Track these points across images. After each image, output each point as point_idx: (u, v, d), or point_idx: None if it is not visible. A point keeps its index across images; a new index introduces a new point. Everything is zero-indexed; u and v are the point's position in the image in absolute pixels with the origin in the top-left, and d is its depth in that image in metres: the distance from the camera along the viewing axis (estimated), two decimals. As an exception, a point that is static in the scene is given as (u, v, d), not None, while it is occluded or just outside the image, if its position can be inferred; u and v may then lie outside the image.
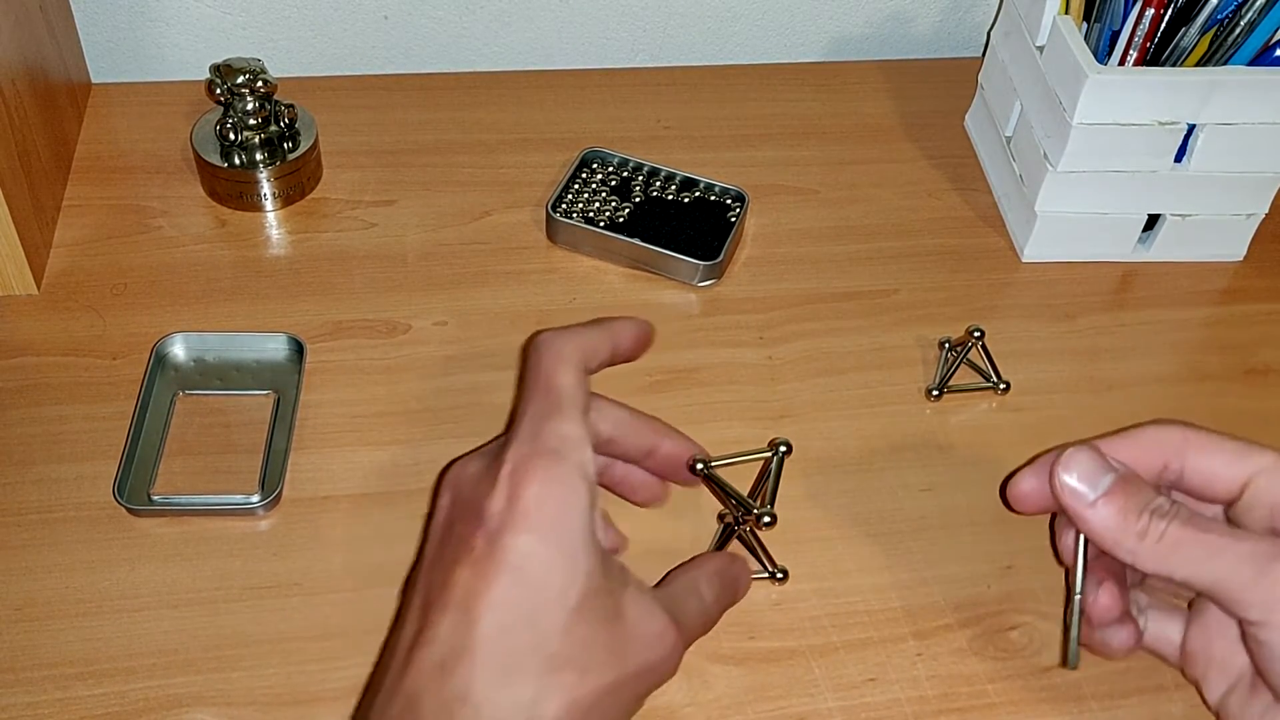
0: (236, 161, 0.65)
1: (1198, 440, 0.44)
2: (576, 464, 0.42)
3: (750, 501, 0.51)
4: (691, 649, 0.46)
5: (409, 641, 0.41)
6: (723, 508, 0.53)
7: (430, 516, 0.46)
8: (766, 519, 0.49)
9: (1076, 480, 0.42)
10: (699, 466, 0.51)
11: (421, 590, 0.42)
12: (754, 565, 0.51)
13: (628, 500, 0.52)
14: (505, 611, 0.40)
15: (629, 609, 0.42)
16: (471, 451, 0.45)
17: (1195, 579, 0.41)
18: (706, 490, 0.53)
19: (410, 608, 0.42)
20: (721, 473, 0.52)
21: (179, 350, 0.58)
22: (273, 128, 0.65)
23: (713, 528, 0.53)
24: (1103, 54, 0.62)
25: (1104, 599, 0.45)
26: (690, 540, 0.52)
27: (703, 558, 0.48)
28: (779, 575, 0.51)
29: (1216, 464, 0.43)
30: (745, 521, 0.51)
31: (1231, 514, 0.44)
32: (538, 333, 0.46)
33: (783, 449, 0.52)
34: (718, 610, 0.47)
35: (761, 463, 0.53)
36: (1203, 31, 0.61)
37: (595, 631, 0.40)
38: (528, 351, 0.46)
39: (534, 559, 0.40)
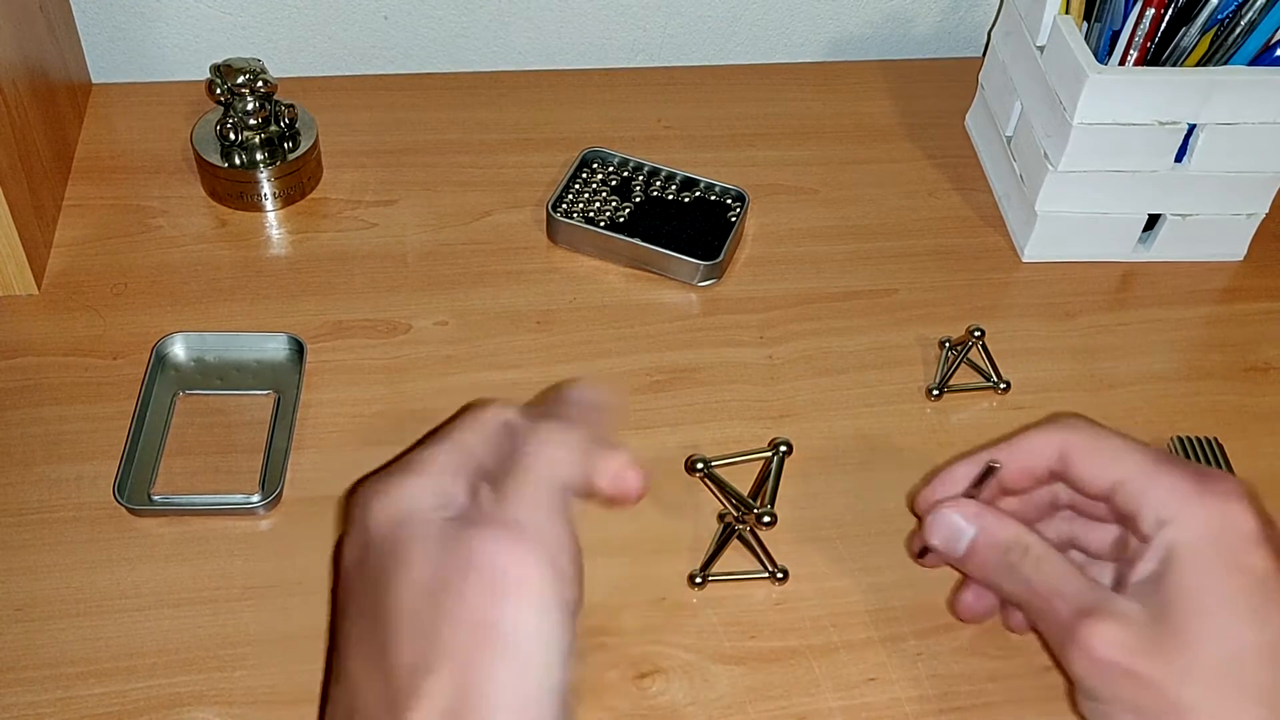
0: (237, 161, 0.65)
1: (1076, 445, 0.44)
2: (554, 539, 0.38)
3: (750, 501, 0.51)
4: (693, 649, 0.46)
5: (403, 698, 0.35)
6: (723, 507, 0.53)
7: (345, 537, 0.41)
8: (767, 519, 0.49)
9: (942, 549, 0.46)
10: (699, 466, 0.51)
11: (407, 645, 0.36)
12: (754, 565, 0.51)
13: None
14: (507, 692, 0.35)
15: None
16: (393, 472, 0.40)
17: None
18: (707, 490, 0.54)
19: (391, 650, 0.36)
20: (721, 472, 0.52)
21: (179, 350, 0.58)
22: (273, 128, 0.65)
23: (713, 528, 0.53)
24: (1103, 54, 0.62)
25: (968, 597, 0.48)
26: (690, 540, 0.52)
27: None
28: (779, 575, 0.51)
29: (1089, 471, 0.44)
30: (745, 521, 0.51)
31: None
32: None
33: (783, 449, 0.52)
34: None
35: (761, 463, 0.53)
36: (1203, 31, 0.61)
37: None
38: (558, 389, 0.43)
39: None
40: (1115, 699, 0.40)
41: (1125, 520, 0.43)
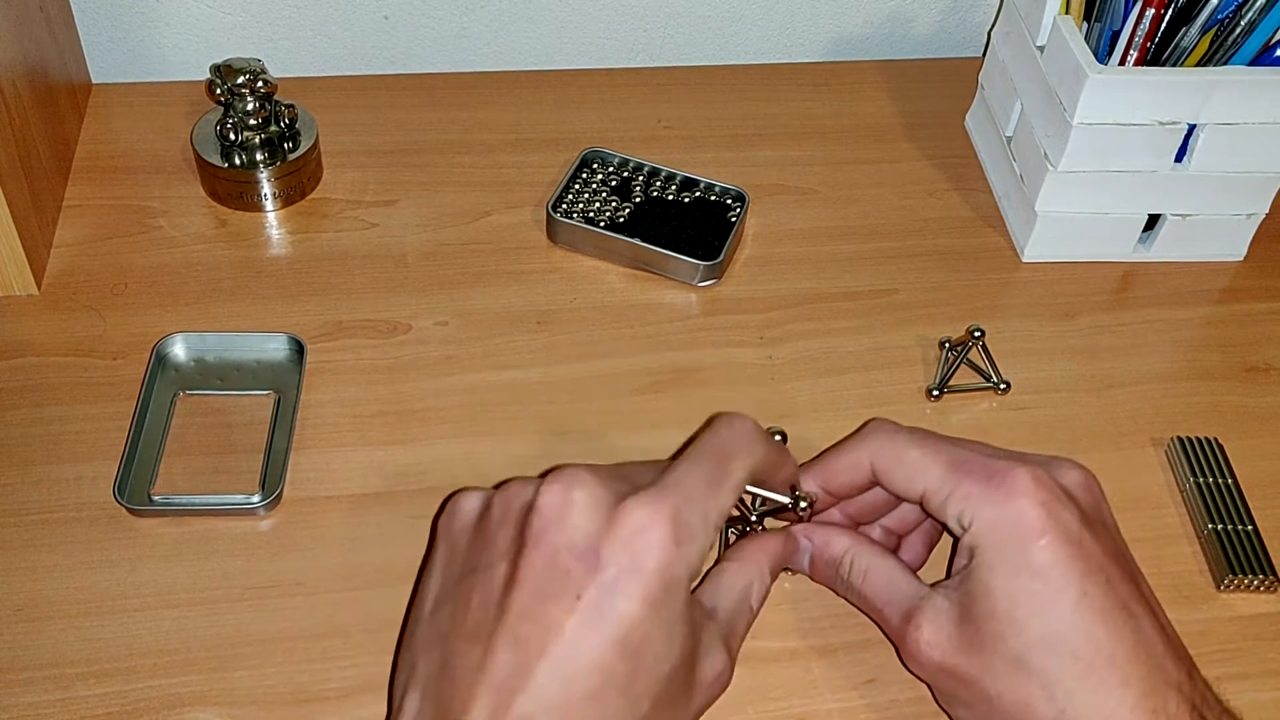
0: (237, 161, 0.65)
1: (880, 461, 0.46)
2: (701, 549, 0.40)
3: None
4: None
5: (476, 664, 0.38)
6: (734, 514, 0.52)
7: (488, 504, 0.43)
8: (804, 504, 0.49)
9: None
10: (803, 506, 0.49)
11: (496, 604, 0.39)
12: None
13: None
14: (604, 677, 0.38)
15: (702, 661, 0.42)
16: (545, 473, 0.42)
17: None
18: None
19: (469, 608, 0.40)
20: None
21: (179, 350, 0.58)
22: (273, 128, 0.65)
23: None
24: (1103, 54, 0.62)
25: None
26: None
27: (753, 550, 0.47)
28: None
29: (896, 485, 0.46)
30: (788, 516, 0.50)
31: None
32: (724, 414, 0.45)
33: (777, 437, 0.52)
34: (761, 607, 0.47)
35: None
36: (1203, 31, 0.61)
37: (675, 695, 0.40)
38: (716, 420, 0.45)
39: (640, 631, 0.38)
40: (948, 692, 0.44)
41: (941, 522, 0.45)
